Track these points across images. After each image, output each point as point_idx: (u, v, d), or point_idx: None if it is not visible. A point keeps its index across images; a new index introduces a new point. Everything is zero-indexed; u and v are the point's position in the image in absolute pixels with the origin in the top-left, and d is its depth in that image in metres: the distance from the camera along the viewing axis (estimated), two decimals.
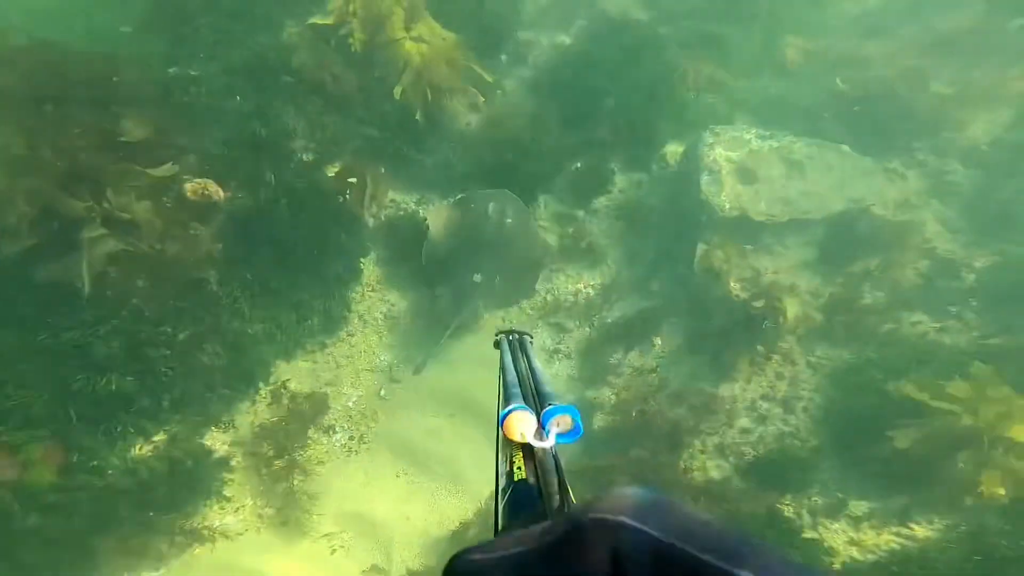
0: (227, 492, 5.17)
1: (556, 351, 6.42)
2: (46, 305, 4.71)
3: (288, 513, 5.21)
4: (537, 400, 1.34)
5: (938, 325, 6.03)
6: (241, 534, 5.12)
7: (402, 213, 6.69)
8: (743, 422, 5.80)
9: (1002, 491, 4.82)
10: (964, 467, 4.97)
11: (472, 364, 6.05)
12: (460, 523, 5.33)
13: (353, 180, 6.04)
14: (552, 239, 6.78)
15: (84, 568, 4.65)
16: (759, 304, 5.90)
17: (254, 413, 5.57)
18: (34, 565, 4.43)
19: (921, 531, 5.05)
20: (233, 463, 5.28)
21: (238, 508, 5.20)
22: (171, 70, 5.72)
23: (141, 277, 4.87)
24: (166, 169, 4.97)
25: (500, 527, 1.06)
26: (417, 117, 6.24)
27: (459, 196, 6.42)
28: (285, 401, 5.59)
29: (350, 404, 5.88)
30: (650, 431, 5.63)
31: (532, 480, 1.12)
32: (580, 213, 6.98)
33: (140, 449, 4.97)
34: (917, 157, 7.11)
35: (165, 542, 4.87)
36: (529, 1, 7.91)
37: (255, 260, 5.52)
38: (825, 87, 7.51)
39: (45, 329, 4.68)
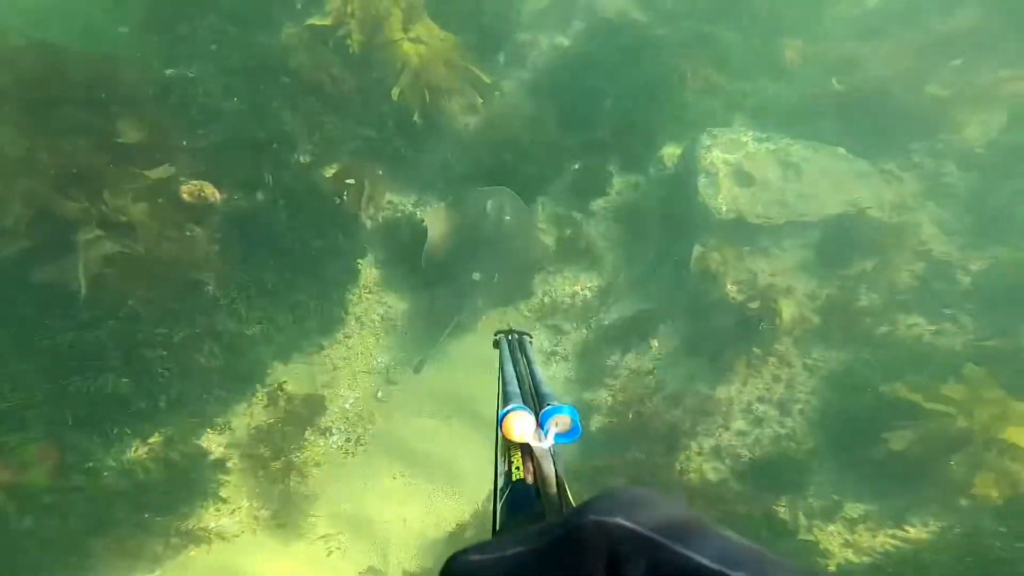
0: (223, 494, 5.16)
1: (553, 353, 6.42)
2: (42, 306, 4.70)
3: (284, 515, 5.20)
4: (536, 400, 1.35)
5: (934, 328, 6.06)
6: (237, 536, 5.11)
7: (400, 215, 6.69)
8: (739, 424, 5.81)
9: (995, 493, 4.85)
10: (958, 469, 5.00)
11: (469, 366, 6.06)
12: (457, 525, 5.33)
13: (351, 181, 6.04)
14: (550, 241, 6.79)
15: (79, 569, 4.63)
16: (755, 306, 5.92)
17: (250, 415, 5.56)
18: (29, 567, 4.42)
19: (916, 533, 5.07)
20: (229, 465, 5.27)
21: (234, 510, 5.19)
22: (168, 71, 5.71)
23: (137, 279, 4.85)
24: (163, 171, 4.97)
25: (498, 527, 1.07)
26: (415, 118, 6.24)
27: (457, 196, 6.42)
28: (282, 403, 5.58)
29: (347, 406, 5.87)
30: (647, 433, 5.64)
31: (530, 480, 1.12)
32: (578, 215, 6.99)
33: (136, 451, 4.96)
34: (913, 159, 7.13)
35: (161, 544, 4.86)
36: (527, 2, 7.92)
37: (252, 261, 5.51)
38: (822, 89, 7.53)
39: (41, 330, 4.67)
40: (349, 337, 6.16)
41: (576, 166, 7.08)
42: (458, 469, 5.60)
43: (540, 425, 1.20)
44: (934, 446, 5.07)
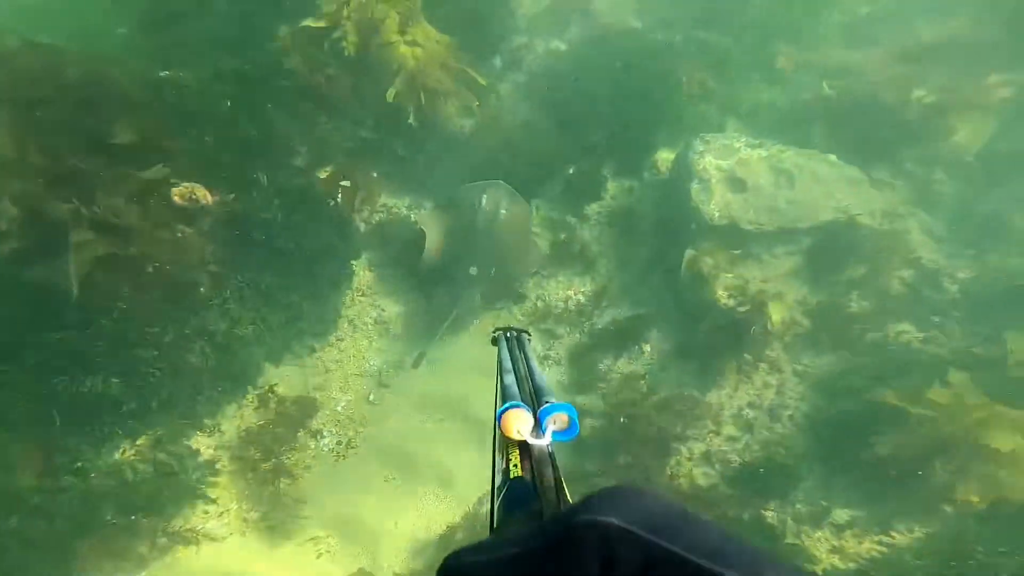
0: (212, 495, 5.12)
1: (546, 357, 6.43)
2: (33, 306, 4.66)
3: (274, 517, 5.16)
4: (534, 398, 1.35)
5: (922, 335, 6.11)
6: (226, 538, 5.07)
7: (394, 217, 6.68)
8: (730, 429, 5.84)
9: (976, 499, 4.91)
10: (942, 474, 5.05)
11: (462, 369, 6.05)
12: (447, 527, 5.32)
13: (345, 183, 6.03)
14: (544, 244, 6.80)
15: (65, 571, 4.58)
16: (747, 312, 5.95)
17: (241, 417, 5.53)
18: (13, 567, 4.37)
19: (901, 539, 5.11)
20: (219, 466, 5.23)
21: (223, 512, 5.15)
22: (163, 72, 5.69)
23: (129, 280, 4.83)
24: (156, 171, 4.94)
25: (496, 524, 1.07)
26: (410, 120, 6.24)
27: (452, 194, 6.42)
28: (273, 405, 5.55)
29: (339, 409, 5.85)
30: (638, 438, 5.65)
31: (528, 477, 1.12)
32: (572, 219, 7.01)
33: (125, 452, 4.92)
34: (904, 167, 7.21)
35: (147, 545, 4.81)
36: (524, 6, 7.95)
37: (245, 263, 5.48)
38: (815, 95, 7.60)
39: (31, 330, 4.62)
40: (341, 340, 6.15)
41: (571, 170, 7.10)
42: (450, 472, 5.59)
43: (538, 423, 1.20)
44: (919, 451, 5.12)
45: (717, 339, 6.06)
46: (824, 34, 8.49)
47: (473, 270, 6.04)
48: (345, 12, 5.99)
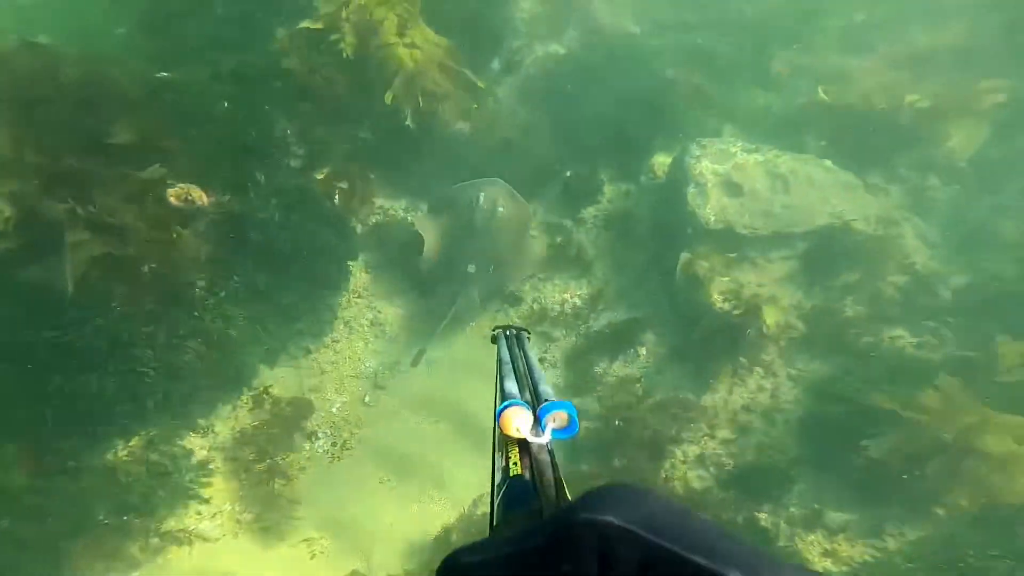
0: (205, 496, 5.10)
1: (542, 360, 6.43)
2: (28, 305, 4.64)
3: (267, 518, 5.14)
4: (533, 396, 1.35)
5: (915, 340, 6.14)
6: (219, 538, 5.04)
7: (391, 219, 6.68)
8: (724, 433, 5.85)
9: (967, 502, 4.94)
10: (934, 478, 5.08)
11: (457, 370, 6.05)
12: (443, 528, 5.31)
13: (343, 185, 6.03)
14: (540, 247, 6.81)
15: (56, 571, 4.55)
16: (742, 315, 5.97)
17: (235, 418, 5.50)
18: (4, 568, 4.34)
19: (893, 542, 5.14)
20: (213, 467, 5.21)
21: (216, 512, 5.13)
22: (161, 73, 5.68)
23: (124, 280, 4.81)
24: (152, 171, 4.93)
25: (496, 522, 1.07)
26: (408, 123, 6.24)
27: (449, 194, 6.42)
28: (267, 406, 5.53)
29: (334, 410, 5.84)
30: (633, 440, 5.66)
31: (528, 475, 1.12)
32: (568, 222, 7.02)
33: (118, 452, 4.89)
34: (898, 172, 7.25)
35: (140, 545, 4.79)
36: (523, 10, 7.97)
37: (242, 263, 5.47)
38: (810, 100, 7.64)
39: (26, 329, 4.60)
40: (337, 341, 6.13)
41: (568, 173, 7.11)
42: (445, 473, 5.58)
43: (538, 421, 1.20)
44: (911, 455, 5.15)
45: (712, 342, 6.07)
46: (820, 40, 8.54)
47: (471, 268, 6.05)
48: (344, 14, 6.00)
